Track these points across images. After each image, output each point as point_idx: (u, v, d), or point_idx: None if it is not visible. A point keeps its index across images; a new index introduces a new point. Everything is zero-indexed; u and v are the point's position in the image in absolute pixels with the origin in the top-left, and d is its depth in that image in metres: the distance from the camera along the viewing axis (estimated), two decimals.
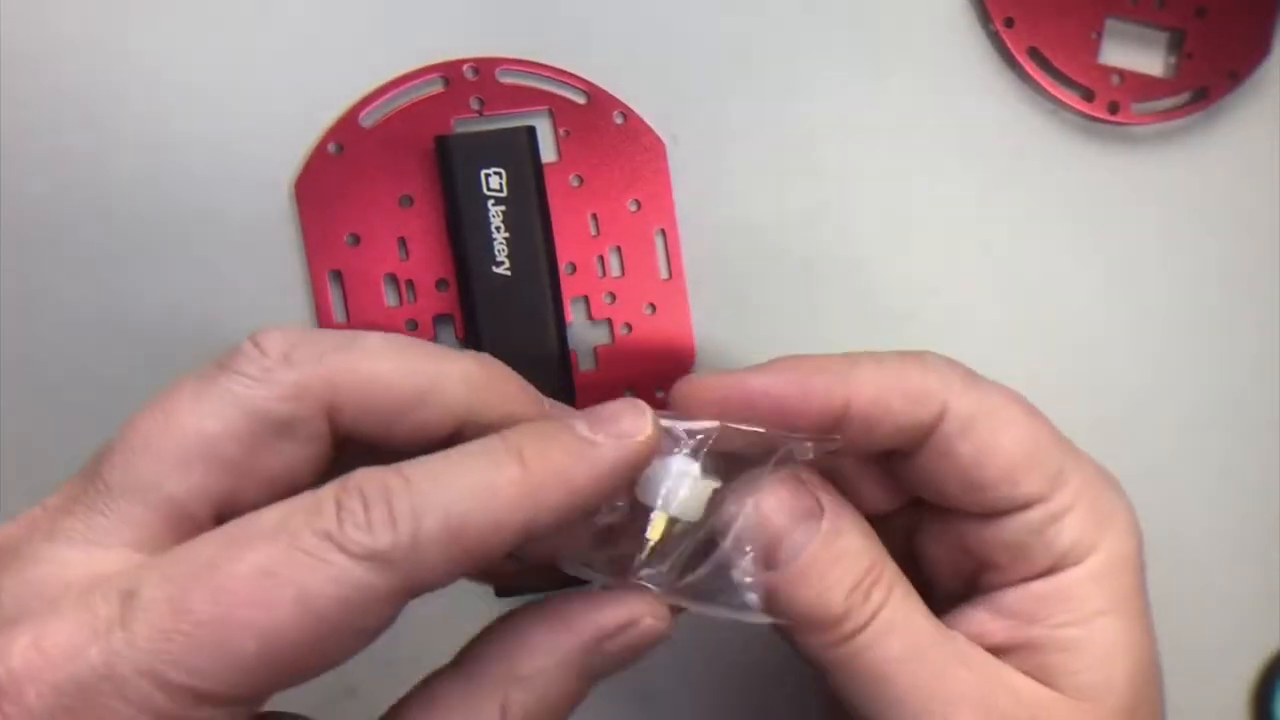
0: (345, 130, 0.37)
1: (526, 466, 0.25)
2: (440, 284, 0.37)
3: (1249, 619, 0.40)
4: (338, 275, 0.37)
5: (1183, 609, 0.39)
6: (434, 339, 0.37)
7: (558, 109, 0.38)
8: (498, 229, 0.36)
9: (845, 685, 0.29)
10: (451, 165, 0.36)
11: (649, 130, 0.38)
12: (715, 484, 0.28)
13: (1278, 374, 0.40)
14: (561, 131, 0.38)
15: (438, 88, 0.37)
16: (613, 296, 0.38)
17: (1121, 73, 0.39)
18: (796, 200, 0.39)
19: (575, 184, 0.38)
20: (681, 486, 0.27)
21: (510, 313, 0.36)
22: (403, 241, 0.37)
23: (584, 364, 0.38)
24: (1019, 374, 0.39)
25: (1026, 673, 0.30)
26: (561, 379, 0.36)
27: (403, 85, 0.37)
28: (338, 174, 0.37)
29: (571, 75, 0.38)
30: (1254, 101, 0.40)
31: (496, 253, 0.36)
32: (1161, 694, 0.32)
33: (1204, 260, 0.40)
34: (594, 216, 0.38)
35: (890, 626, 0.29)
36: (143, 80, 0.36)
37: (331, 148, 0.37)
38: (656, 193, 0.38)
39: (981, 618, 0.31)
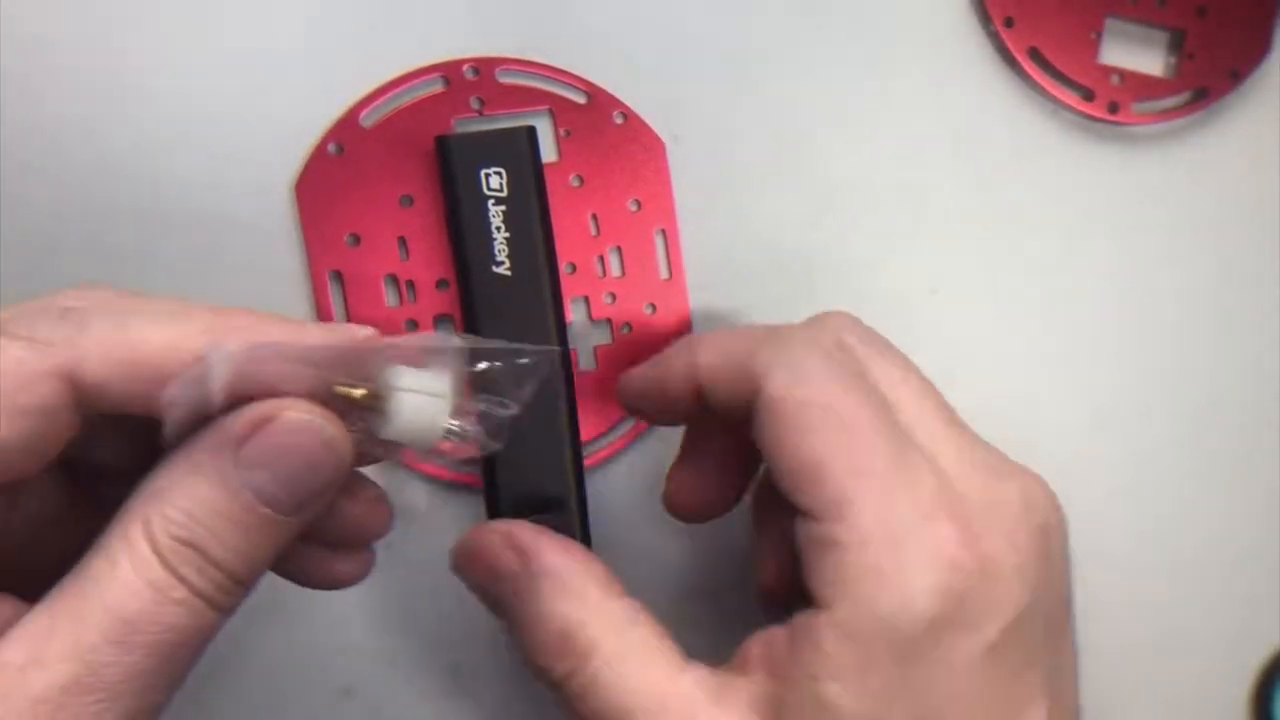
0: (345, 130, 0.37)
1: (215, 313, 0.26)
2: (440, 284, 0.37)
3: (1249, 619, 0.40)
4: (338, 275, 0.37)
5: (1183, 609, 0.39)
6: None
7: (558, 109, 0.38)
8: (498, 229, 0.36)
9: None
10: (451, 165, 0.36)
11: (649, 130, 0.38)
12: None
13: (1277, 373, 0.40)
14: (562, 131, 0.38)
15: (438, 87, 0.37)
16: (613, 296, 0.38)
17: (1121, 73, 0.39)
18: (796, 200, 0.39)
19: (576, 184, 0.38)
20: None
21: (510, 312, 0.36)
22: (403, 241, 0.37)
23: (584, 363, 0.38)
24: (1018, 373, 0.40)
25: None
26: (564, 379, 0.36)
27: (403, 85, 0.37)
28: (338, 174, 0.37)
29: (572, 75, 0.38)
30: (1254, 101, 0.40)
31: (496, 252, 0.36)
32: None
33: (1205, 260, 0.40)
34: (594, 216, 0.38)
35: (582, 692, 0.30)
36: (143, 81, 0.36)
37: (331, 148, 0.37)
38: (657, 193, 0.38)
39: (757, 642, 0.30)
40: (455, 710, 0.38)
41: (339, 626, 0.37)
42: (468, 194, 0.36)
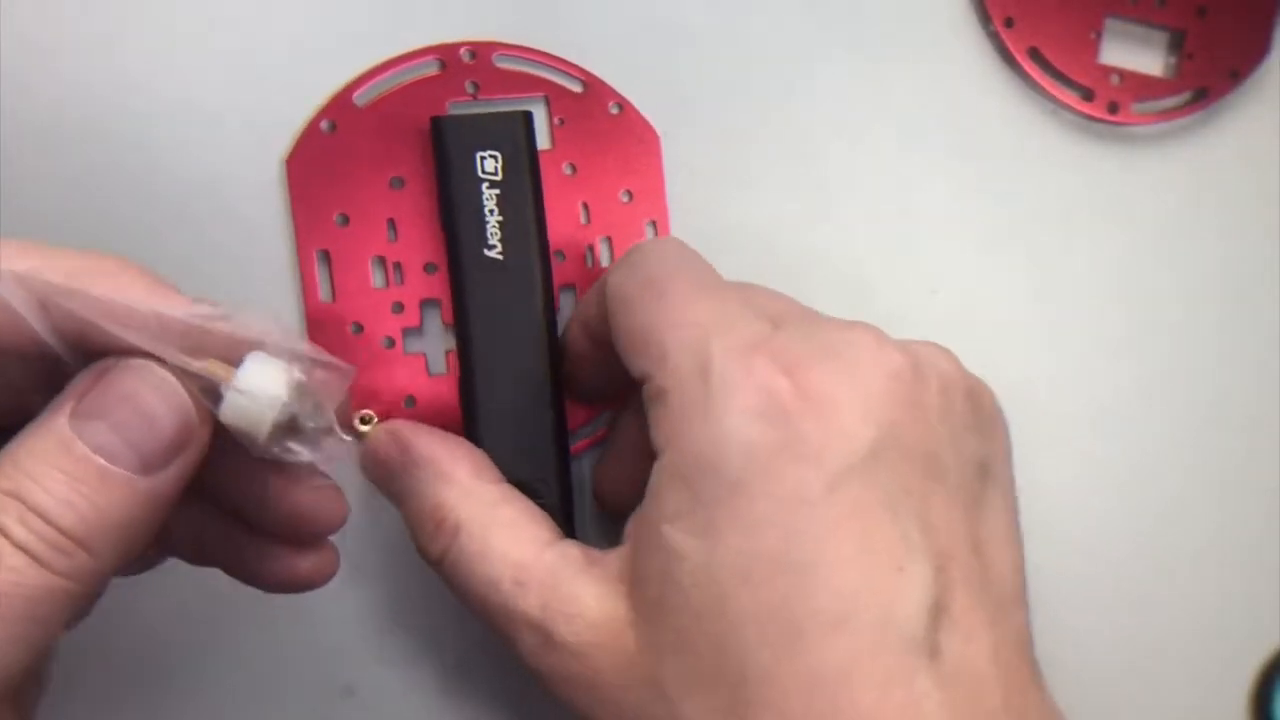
0: (339, 108, 0.36)
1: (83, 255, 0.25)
2: (428, 267, 0.37)
3: (1249, 619, 0.39)
4: (325, 254, 0.36)
5: (1183, 609, 0.38)
6: (420, 323, 0.37)
7: (553, 96, 0.38)
8: (490, 212, 0.35)
9: None
10: (446, 146, 0.35)
11: (644, 122, 0.38)
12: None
13: (1277, 373, 0.40)
14: (556, 119, 0.38)
15: (433, 69, 0.37)
16: None
17: (1121, 72, 0.39)
18: (792, 199, 0.39)
19: (568, 172, 0.38)
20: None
21: (500, 296, 0.35)
22: (392, 223, 0.37)
23: None
24: (1017, 372, 0.39)
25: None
26: (550, 364, 0.36)
27: (398, 66, 0.37)
28: (329, 152, 0.36)
29: (568, 63, 0.38)
30: (1255, 100, 0.40)
31: (489, 236, 0.35)
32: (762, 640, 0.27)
33: (1205, 259, 0.40)
34: (585, 205, 0.38)
35: (454, 568, 0.31)
36: (137, 52, 0.36)
37: (324, 125, 0.36)
38: (649, 185, 0.38)
39: (632, 518, 0.30)
40: (456, 709, 0.37)
41: (339, 626, 0.36)
42: (461, 176, 0.35)
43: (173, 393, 0.25)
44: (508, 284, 0.35)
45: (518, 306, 0.35)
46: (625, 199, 0.38)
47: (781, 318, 0.30)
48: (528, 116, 0.36)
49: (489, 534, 0.30)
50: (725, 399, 0.27)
